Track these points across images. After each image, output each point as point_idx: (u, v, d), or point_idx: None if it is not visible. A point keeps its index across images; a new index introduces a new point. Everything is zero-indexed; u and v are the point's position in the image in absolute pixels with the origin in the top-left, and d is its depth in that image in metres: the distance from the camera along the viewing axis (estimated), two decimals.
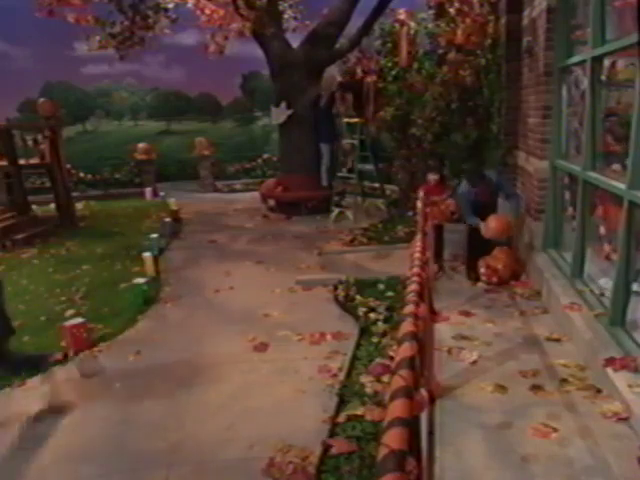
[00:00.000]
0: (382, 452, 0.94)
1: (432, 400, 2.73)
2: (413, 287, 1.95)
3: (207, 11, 8.02)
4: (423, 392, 1.56)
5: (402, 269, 3.63)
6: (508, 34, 5.68)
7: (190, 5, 8.07)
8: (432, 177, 5.42)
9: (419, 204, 4.53)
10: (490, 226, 4.54)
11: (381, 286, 4.75)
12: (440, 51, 7.38)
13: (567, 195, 4.44)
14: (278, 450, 2.55)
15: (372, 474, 2.26)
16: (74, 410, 3.11)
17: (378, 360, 3.36)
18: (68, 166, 9.47)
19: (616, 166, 3.34)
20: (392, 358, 3.05)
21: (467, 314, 4.01)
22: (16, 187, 8.12)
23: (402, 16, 7.65)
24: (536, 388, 2.89)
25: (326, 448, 2.51)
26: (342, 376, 3.23)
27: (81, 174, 12.68)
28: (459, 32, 6.52)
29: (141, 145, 12.43)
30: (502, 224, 4.55)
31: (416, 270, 2.23)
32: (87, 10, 8.15)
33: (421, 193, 4.75)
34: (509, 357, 3.30)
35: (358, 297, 4.51)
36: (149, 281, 4.97)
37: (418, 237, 3.17)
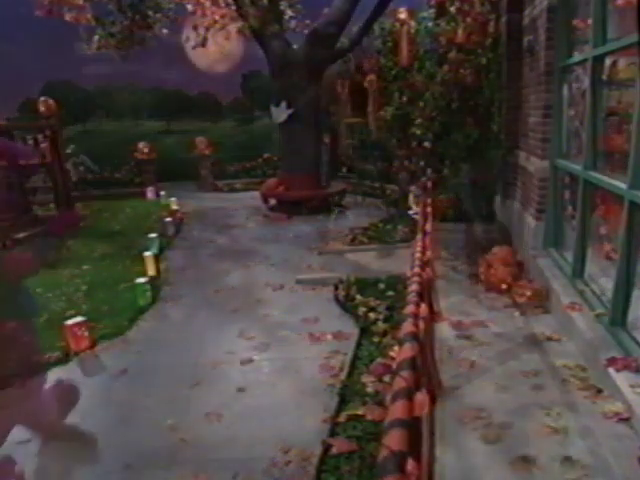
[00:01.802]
0: (383, 453, 0.93)
1: (433, 400, 2.73)
2: (414, 287, 1.95)
3: (207, 12, 8.03)
4: (424, 392, 1.56)
5: (402, 268, 3.63)
6: (509, 33, 5.67)
7: (190, 7, 8.08)
8: (433, 176, 5.40)
9: (411, 202, 4.49)
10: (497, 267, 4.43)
11: (381, 285, 4.74)
12: (441, 50, 7.36)
13: (568, 195, 4.43)
14: (278, 450, 2.55)
15: (372, 474, 2.26)
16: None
17: (379, 360, 3.35)
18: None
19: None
20: (393, 358, 3.05)
21: (467, 314, 4.01)
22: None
23: (403, 15, 7.64)
24: (537, 388, 2.89)
25: (326, 448, 2.51)
26: (343, 376, 3.23)
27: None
28: (460, 31, 6.52)
29: (141, 145, 12.41)
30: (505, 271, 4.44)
31: (417, 270, 2.23)
32: (87, 9, 8.15)
33: (420, 191, 4.73)
34: (510, 357, 3.29)
35: (358, 296, 4.51)
36: (150, 280, 4.97)
37: (419, 237, 3.17)
